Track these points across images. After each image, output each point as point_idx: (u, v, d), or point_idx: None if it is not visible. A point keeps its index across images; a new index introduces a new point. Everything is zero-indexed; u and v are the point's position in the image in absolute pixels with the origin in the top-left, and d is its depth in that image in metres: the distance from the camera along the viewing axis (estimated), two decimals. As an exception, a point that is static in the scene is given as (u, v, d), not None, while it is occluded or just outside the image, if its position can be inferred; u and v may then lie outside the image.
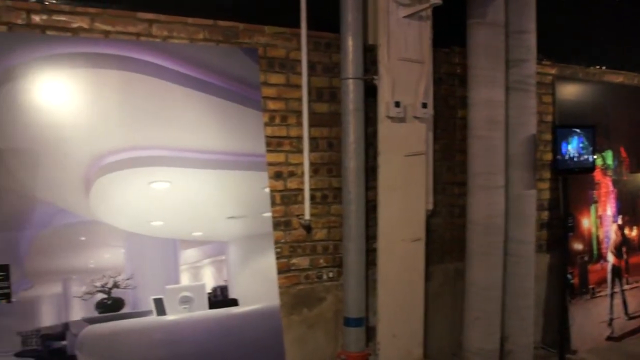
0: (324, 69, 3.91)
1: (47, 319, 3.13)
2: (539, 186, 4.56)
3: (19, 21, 3.14)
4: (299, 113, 3.78)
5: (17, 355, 3.00)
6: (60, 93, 3.19)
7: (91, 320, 3.15)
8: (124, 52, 3.31)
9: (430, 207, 3.70)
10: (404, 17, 3.66)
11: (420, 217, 3.61)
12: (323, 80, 3.89)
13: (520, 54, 3.67)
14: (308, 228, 3.83)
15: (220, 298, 3.41)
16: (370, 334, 3.85)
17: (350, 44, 3.63)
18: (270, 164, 3.62)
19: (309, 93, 3.74)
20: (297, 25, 3.71)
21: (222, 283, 3.42)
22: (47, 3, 3.16)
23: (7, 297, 3.00)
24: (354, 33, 3.63)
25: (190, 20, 3.49)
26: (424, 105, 3.72)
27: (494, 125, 3.58)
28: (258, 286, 3.48)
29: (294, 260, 3.82)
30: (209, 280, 3.41)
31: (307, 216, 3.77)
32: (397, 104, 3.62)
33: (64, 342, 3.11)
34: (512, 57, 3.66)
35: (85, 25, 3.27)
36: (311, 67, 3.79)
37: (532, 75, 3.72)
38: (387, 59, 3.64)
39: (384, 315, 3.75)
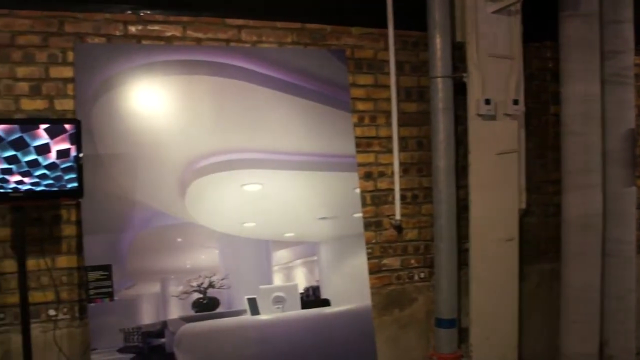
0: (411, 68, 3.90)
1: (147, 316, 3.24)
2: (640, 183, 4.38)
3: (117, 32, 3.29)
4: (388, 113, 3.79)
5: (120, 351, 3.14)
6: (156, 100, 3.31)
7: (188, 319, 3.25)
8: (215, 58, 3.41)
9: (524, 206, 3.62)
10: (493, 12, 3.61)
11: (513, 216, 3.54)
12: (411, 80, 3.88)
13: (616, 45, 3.52)
14: (399, 228, 3.82)
15: (312, 298, 3.45)
16: (463, 335, 3.81)
17: (438, 42, 3.61)
18: (360, 165, 3.63)
19: (398, 93, 3.74)
20: (384, 25, 3.72)
21: (314, 283, 3.46)
22: (142, 14, 3.30)
23: (110, 295, 3.14)
24: (441, 31, 3.61)
25: (278, 24, 3.57)
26: (515, 102, 3.66)
27: (589, 120, 3.46)
28: (349, 287, 3.50)
29: (385, 261, 3.82)
30: (301, 281, 3.45)
31: (397, 216, 3.77)
32: (488, 102, 3.57)
33: (162, 340, 3.22)
34: (607, 48, 3.51)
35: (178, 34, 3.39)
36: (399, 66, 3.79)
37: (629, 67, 3.56)
38: (476, 56, 3.60)
39: (477, 317, 3.69)
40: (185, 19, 3.40)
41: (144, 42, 3.35)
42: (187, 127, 3.26)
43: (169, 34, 3.37)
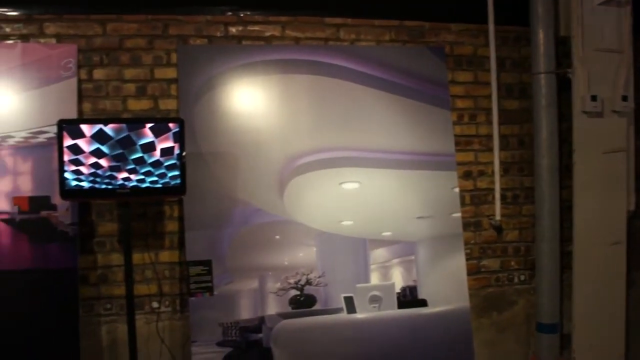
0: (513, 64, 3.83)
1: (245, 312, 3.31)
2: None
3: (218, 34, 3.39)
4: (488, 110, 3.73)
5: (218, 344, 3.22)
6: (255, 99, 3.38)
7: (285, 315, 3.29)
8: (314, 57, 3.45)
9: (632, 207, 3.46)
10: (599, 4, 3.50)
11: (620, 218, 3.40)
12: (512, 76, 3.81)
13: None
14: (499, 229, 3.75)
15: (409, 298, 3.43)
16: (565, 341, 3.69)
17: (541, 37, 3.53)
18: (460, 164, 3.57)
19: (498, 89, 3.68)
20: (483, 21, 3.66)
21: (411, 283, 3.45)
22: (242, 15, 3.39)
23: (210, 290, 3.22)
24: (544, 25, 3.52)
25: (376, 22, 3.58)
26: (624, 99, 3.52)
27: None
28: (447, 287, 3.47)
29: (484, 262, 3.76)
30: (398, 280, 3.44)
31: (497, 216, 3.70)
32: (594, 98, 3.46)
33: (260, 335, 3.29)
34: None
35: (277, 34, 3.46)
36: (500, 62, 3.72)
37: None
38: (582, 51, 3.49)
39: (580, 323, 3.58)
40: (284, 18, 3.45)
41: (244, 42, 3.43)
42: (286, 126, 3.31)
43: (268, 34, 3.44)
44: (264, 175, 3.29)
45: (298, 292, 3.29)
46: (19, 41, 3.28)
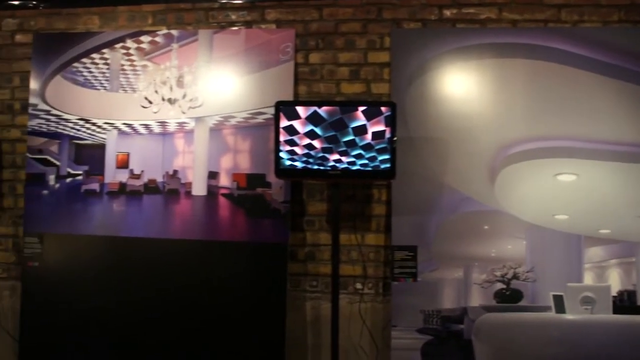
0: None
1: (448, 301, 3.30)
2: None
3: (432, 17, 3.39)
4: None
5: (419, 331, 3.25)
6: (468, 84, 3.33)
7: (489, 309, 3.23)
8: (531, 40, 3.34)
9: None
10: None
11: None
12: None
13: None
14: None
15: (626, 304, 3.21)
16: None
17: None
18: (697, 158, 3.26)
19: None
20: None
21: (629, 287, 3.23)
22: (461, -5, 3.33)
23: (414, 276, 3.26)
24: None
25: (603, 1, 3.37)
26: None
27: None
28: (673, 295, 3.19)
29: None
30: (615, 283, 3.24)
31: None
32: None
33: (461, 326, 3.26)
34: None
35: (493, 16, 3.38)
36: None
37: None
38: None
39: None
40: (501, 0, 3.36)
41: (458, 25, 3.40)
42: (499, 112, 3.25)
43: (483, 16, 3.38)
44: (474, 163, 3.25)
45: (504, 286, 3.23)
46: (242, 27, 3.50)
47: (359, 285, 3.14)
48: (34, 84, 3.34)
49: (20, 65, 3.47)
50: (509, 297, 3.23)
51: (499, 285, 3.25)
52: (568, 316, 3.19)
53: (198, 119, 3.14)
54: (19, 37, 3.49)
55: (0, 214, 3.88)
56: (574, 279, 3.23)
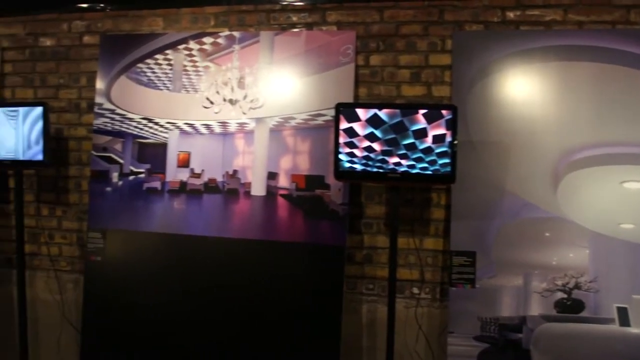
0: None
1: (506, 309, 3.26)
2: None
3: (495, 19, 3.36)
4: None
5: (475, 338, 3.21)
6: (531, 87, 3.29)
7: (549, 318, 3.18)
8: (598, 42, 3.28)
9: None
10: None
11: None
12: None
13: None
14: None
15: (697, 318, 3.10)
16: None
17: None
18: None
19: None
20: None
21: (702, 302, 3.11)
22: (521, -2, 3.29)
23: (472, 282, 3.23)
24: None
25: (676, 2, 3.26)
26: None
27: None
28: None
29: None
30: (687, 297, 3.12)
31: None
32: None
33: (519, 335, 3.23)
34: None
35: (558, 18, 3.33)
36: None
37: None
38: None
39: None
40: (566, 1, 3.32)
41: (521, 27, 3.37)
42: (563, 117, 3.21)
43: (548, 18, 3.34)
44: (536, 168, 3.22)
45: (565, 295, 3.18)
46: (303, 29, 3.55)
47: (415, 290, 3.15)
48: (100, 84, 3.47)
49: (87, 66, 3.60)
50: (570, 307, 3.19)
51: (560, 295, 3.20)
52: (633, 330, 3.12)
53: (258, 120, 3.20)
54: (86, 39, 3.63)
55: (66, 209, 4.04)
56: (639, 291, 3.13)
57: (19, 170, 3.64)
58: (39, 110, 3.43)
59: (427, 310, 3.15)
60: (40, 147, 3.43)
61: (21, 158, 3.48)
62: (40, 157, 3.43)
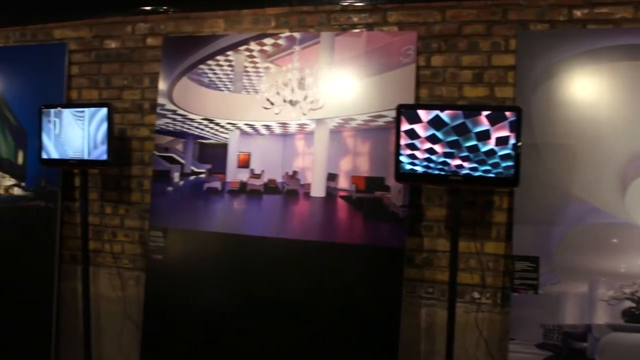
0: None
1: (570, 316, 3.20)
2: None
3: (561, 17, 3.29)
4: None
5: (538, 346, 3.16)
6: (598, 88, 3.21)
7: (616, 327, 3.11)
8: (671, 41, 3.13)
9: None
10: None
11: None
12: None
13: None
14: None
15: None
16: None
17: None
18: None
19: None
20: None
21: None
22: (591, -5, 3.21)
23: (535, 288, 3.17)
24: None
25: None
26: None
27: None
28: None
29: None
30: None
31: None
32: None
33: (584, 344, 3.16)
34: None
35: (628, 15, 3.25)
36: None
37: None
38: None
39: None
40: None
41: (589, 26, 3.29)
42: (633, 119, 3.15)
43: (617, 16, 3.26)
44: (603, 172, 3.15)
45: (634, 304, 3.09)
46: (364, 30, 3.56)
47: (476, 295, 3.11)
48: (162, 85, 3.55)
49: (150, 67, 3.69)
50: (639, 316, 3.09)
51: (628, 304, 3.12)
52: None
53: (318, 121, 3.23)
54: (149, 41, 3.72)
55: (129, 207, 4.16)
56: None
57: (84, 169, 3.75)
58: (104, 111, 3.53)
59: (487, 316, 3.12)
60: (105, 147, 3.52)
61: (87, 158, 3.57)
62: (104, 157, 3.52)
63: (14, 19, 3.83)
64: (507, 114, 2.88)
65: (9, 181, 4.24)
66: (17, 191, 4.19)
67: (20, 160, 4.22)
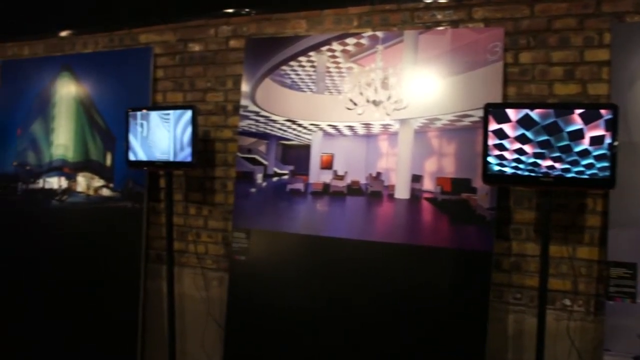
0: None
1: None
2: None
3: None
4: None
5: (636, 358, 3.00)
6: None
7: None
8: None
9: None
10: None
11: None
12: None
13: None
14: None
15: None
16: None
17: None
18: None
19: None
20: None
21: None
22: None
23: (632, 296, 3.02)
24: None
25: None
26: None
27: None
28: None
29: None
30: None
31: None
32: None
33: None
34: None
35: None
36: None
37: None
38: None
39: None
40: None
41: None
42: None
43: None
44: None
45: None
46: (448, 27, 3.50)
47: (567, 302, 3.02)
48: (245, 87, 3.62)
49: (233, 69, 3.77)
50: None
51: None
52: None
53: (402, 121, 3.21)
54: (232, 43, 3.80)
55: (212, 209, 4.26)
56: None
57: (169, 171, 3.87)
58: (189, 113, 3.63)
59: (580, 324, 3.02)
60: (190, 149, 3.62)
61: (173, 159, 3.68)
62: (189, 158, 3.61)
63: (102, 26, 3.98)
64: (602, 111, 2.79)
65: (98, 182, 4.42)
66: (105, 192, 4.37)
67: (108, 162, 4.40)
